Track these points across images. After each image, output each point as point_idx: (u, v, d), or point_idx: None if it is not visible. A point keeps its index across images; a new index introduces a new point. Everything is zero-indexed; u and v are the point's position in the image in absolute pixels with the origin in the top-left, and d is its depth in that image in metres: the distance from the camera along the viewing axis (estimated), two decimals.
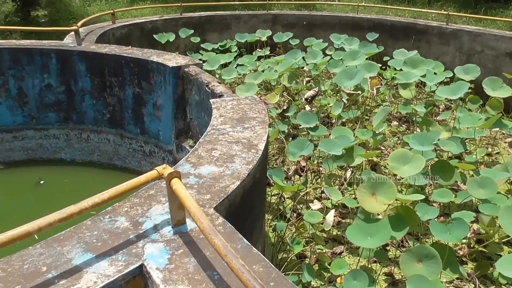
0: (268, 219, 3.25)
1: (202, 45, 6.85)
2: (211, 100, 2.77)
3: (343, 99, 4.65)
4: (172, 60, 3.88)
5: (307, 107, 4.21)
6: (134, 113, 4.31)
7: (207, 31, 7.23)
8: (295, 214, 3.27)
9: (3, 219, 3.88)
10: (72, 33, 4.77)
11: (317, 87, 4.01)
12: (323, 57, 5.31)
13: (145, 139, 4.36)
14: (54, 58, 4.33)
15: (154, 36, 6.40)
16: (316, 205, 2.89)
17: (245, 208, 1.94)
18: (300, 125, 4.53)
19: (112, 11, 5.85)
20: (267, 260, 1.29)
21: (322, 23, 7.62)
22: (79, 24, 4.56)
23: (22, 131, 4.64)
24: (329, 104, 4.74)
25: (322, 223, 2.73)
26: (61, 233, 1.40)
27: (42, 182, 4.39)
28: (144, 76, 4.04)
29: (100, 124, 4.55)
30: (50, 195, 4.23)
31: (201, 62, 3.86)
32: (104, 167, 4.75)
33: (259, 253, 1.32)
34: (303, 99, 3.98)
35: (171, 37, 6.53)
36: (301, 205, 3.42)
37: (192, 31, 6.74)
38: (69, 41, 4.55)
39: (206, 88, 3.33)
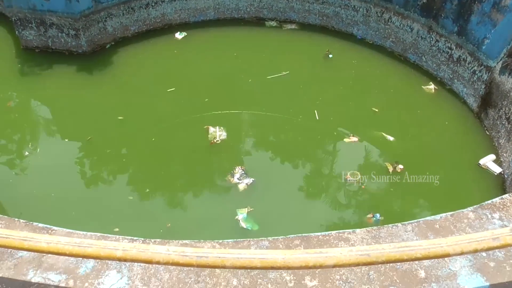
0: None
1: None
2: None
3: None
4: None
5: None
6: (460, 7, 3.42)
7: None
8: None
9: (296, 87, 3.97)
10: None
11: None
12: None
13: (460, 42, 3.53)
14: None
15: None
16: None
17: None
18: None
19: None
20: None
21: None
22: None
23: None
24: None
25: None
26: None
27: (330, 56, 4.22)
28: None
29: (410, 8, 3.85)
30: (336, 72, 4.06)
31: None
32: (394, 56, 4.21)
33: None
34: None
35: None
36: None
37: None
38: None
39: None
